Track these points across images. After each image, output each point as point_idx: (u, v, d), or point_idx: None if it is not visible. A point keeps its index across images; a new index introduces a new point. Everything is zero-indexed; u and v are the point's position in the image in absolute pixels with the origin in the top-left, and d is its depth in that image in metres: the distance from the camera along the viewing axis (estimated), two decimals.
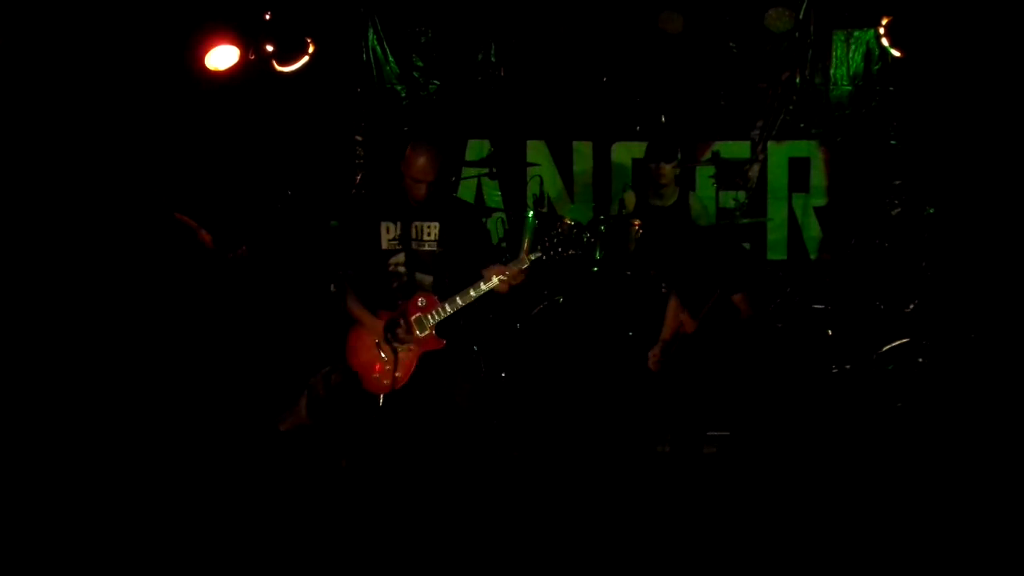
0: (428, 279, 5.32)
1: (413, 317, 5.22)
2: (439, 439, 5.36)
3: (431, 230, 5.33)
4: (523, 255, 5.09)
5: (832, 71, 8.05)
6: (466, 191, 8.24)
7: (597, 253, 7.09)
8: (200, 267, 6.65)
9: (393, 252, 5.34)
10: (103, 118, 6.97)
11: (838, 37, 8.02)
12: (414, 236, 5.33)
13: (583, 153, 8.41)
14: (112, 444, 5.77)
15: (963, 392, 6.55)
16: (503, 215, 8.09)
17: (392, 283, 5.33)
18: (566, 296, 7.23)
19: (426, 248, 5.33)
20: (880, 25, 7.46)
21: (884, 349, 7.01)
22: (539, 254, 5.07)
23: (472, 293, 5.14)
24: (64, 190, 6.72)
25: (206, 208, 7.14)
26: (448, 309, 5.19)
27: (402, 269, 5.33)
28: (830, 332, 7.16)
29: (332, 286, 5.31)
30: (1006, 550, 4.52)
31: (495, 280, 5.09)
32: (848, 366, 6.96)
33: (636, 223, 7.04)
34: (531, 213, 7.18)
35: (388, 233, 5.34)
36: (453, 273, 5.27)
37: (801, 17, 7.92)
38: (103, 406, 6.12)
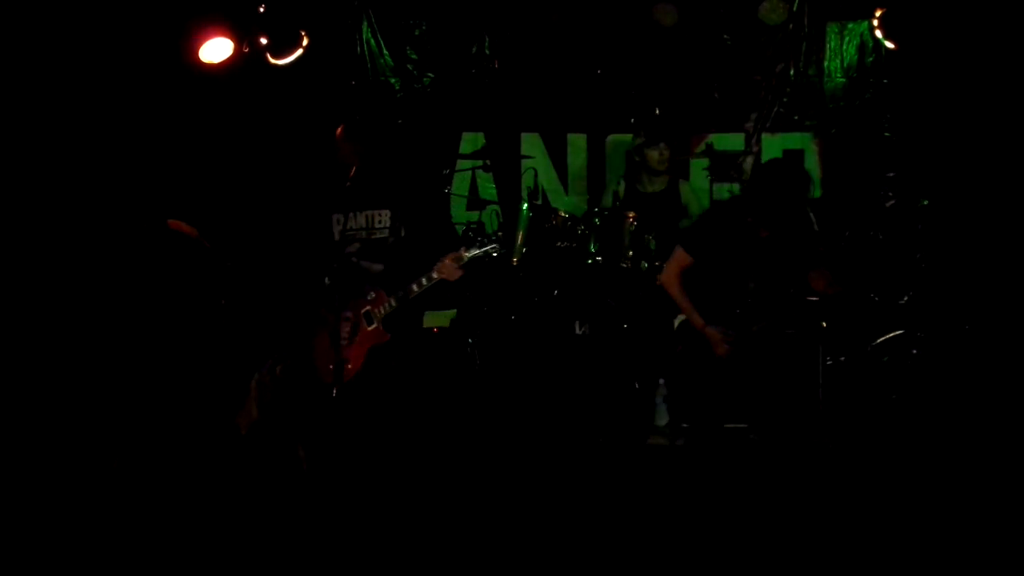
0: (378, 268, 5.23)
1: (363, 311, 5.17)
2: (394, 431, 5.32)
3: (382, 218, 5.26)
4: (461, 251, 5.00)
5: (826, 63, 8.04)
6: (460, 184, 8.25)
7: (592, 246, 7.08)
8: (194, 266, 6.63)
9: (348, 242, 5.25)
10: (96, 112, 6.95)
11: (832, 29, 8.02)
12: (366, 225, 5.26)
13: (577, 145, 8.41)
14: (96, 441, 5.77)
15: (958, 384, 6.55)
16: (498, 208, 8.07)
17: (350, 274, 5.23)
18: (561, 289, 7.22)
19: (377, 236, 5.25)
20: (874, 17, 7.47)
21: (878, 341, 7.00)
22: (476, 251, 4.99)
23: (415, 288, 5.07)
24: (53, 184, 6.70)
25: (198, 203, 7.13)
26: (394, 303, 5.13)
27: (355, 260, 5.25)
28: (824, 324, 7.16)
29: (326, 279, 5.28)
30: (1001, 541, 4.53)
31: (436, 275, 5.01)
32: (842, 358, 6.96)
33: (631, 215, 7.02)
34: (526, 206, 7.17)
35: (339, 224, 5.26)
36: (405, 263, 5.17)
37: (795, 9, 7.92)
38: (85, 402, 6.11)
